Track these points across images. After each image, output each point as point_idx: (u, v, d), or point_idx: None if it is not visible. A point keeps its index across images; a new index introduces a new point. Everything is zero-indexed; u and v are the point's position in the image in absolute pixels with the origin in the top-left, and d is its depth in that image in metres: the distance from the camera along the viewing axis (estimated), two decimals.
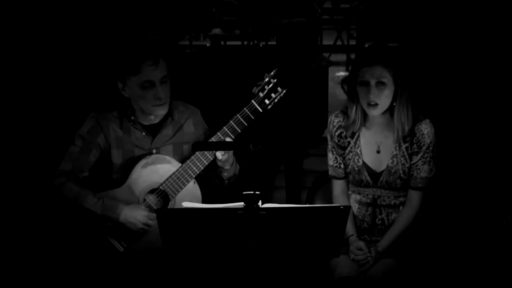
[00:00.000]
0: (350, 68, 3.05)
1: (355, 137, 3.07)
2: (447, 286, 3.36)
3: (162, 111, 3.03)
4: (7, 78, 4.54)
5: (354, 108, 3.02)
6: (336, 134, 3.10)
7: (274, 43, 8.92)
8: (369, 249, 3.00)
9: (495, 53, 4.86)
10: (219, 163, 3.04)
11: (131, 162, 3.05)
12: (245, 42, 9.07)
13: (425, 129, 3.00)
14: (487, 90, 4.82)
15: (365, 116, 3.04)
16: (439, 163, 3.09)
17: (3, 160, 4.31)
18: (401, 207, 3.06)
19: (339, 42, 9.99)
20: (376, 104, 2.94)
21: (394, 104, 2.97)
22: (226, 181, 3.14)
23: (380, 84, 2.92)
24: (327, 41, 10.00)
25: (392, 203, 3.06)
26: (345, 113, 3.09)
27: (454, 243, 3.73)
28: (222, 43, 9.12)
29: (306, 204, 3.31)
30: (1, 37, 4.55)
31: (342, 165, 3.11)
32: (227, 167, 3.07)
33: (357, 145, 3.07)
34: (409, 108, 2.98)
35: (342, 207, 2.44)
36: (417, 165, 3.02)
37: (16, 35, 4.64)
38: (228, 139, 3.00)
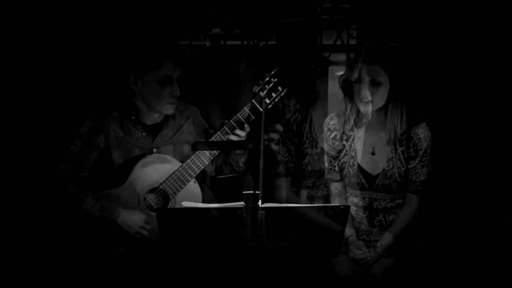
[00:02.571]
0: (347, 66, 3.04)
1: (350, 139, 3.06)
2: (447, 286, 3.36)
3: (171, 110, 3.05)
4: (7, 78, 4.53)
5: (350, 106, 3.02)
6: (331, 137, 3.09)
7: (274, 43, 8.90)
8: (368, 249, 3.00)
9: (496, 54, 4.86)
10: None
11: (131, 161, 3.05)
12: (245, 42, 9.06)
13: (422, 133, 2.99)
14: (489, 91, 4.82)
15: (359, 116, 3.03)
16: (440, 163, 3.09)
17: (3, 160, 4.31)
18: (397, 209, 3.06)
19: (339, 42, 9.97)
20: (371, 101, 2.93)
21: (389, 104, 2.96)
22: (242, 168, 3.15)
23: (376, 82, 2.91)
24: (327, 40, 9.98)
25: (388, 206, 3.06)
26: (340, 115, 3.07)
27: (454, 242, 3.73)
28: (222, 42, 9.11)
29: (306, 204, 3.31)
30: (1, 37, 4.55)
31: (336, 168, 3.11)
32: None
33: (352, 148, 3.06)
34: (403, 110, 2.96)
35: (342, 207, 2.44)
36: (415, 169, 3.00)
37: (16, 35, 4.64)
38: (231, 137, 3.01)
